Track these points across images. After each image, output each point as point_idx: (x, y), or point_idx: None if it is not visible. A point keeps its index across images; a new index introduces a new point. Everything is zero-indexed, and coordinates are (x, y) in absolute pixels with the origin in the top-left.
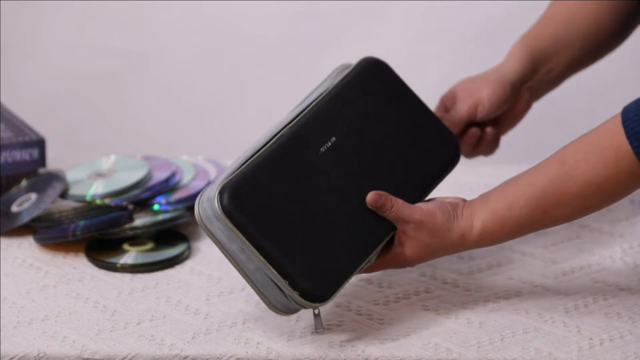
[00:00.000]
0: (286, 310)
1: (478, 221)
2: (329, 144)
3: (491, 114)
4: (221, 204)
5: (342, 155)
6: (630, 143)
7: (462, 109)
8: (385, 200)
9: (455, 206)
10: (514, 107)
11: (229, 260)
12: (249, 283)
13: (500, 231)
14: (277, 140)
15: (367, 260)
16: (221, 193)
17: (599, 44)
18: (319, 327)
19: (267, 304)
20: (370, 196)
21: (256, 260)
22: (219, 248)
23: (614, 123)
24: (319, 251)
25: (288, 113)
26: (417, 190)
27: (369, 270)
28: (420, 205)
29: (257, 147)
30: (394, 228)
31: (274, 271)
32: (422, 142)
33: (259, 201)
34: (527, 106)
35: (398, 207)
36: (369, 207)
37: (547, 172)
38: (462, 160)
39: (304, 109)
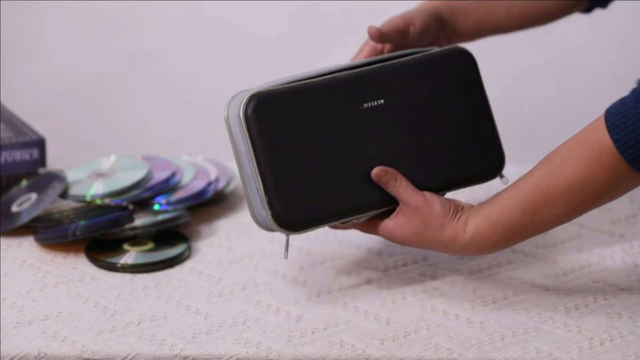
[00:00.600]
0: (265, 226)
1: (471, 225)
2: (375, 103)
3: (421, 35)
4: (245, 108)
5: (381, 120)
6: (612, 137)
7: (398, 24)
8: (389, 177)
9: (459, 208)
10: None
11: (235, 158)
12: (243, 186)
13: (492, 235)
14: (328, 78)
15: (355, 217)
16: (250, 99)
17: (522, 20)
18: (285, 253)
19: (250, 212)
20: (376, 170)
21: (251, 167)
22: (232, 144)
23: (597, 121)
24: (312, 186)
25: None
26: (435, 183)
27: (357, 227)
28: (425, 193)
29: (310, 75)
30: (396, 203)
31: (260, 183)
32: (466, 143)
33: (280, 121)
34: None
35: (401, 187)
36: (373, 179)
37: (535, 174)
38: None
39: (374, 61)
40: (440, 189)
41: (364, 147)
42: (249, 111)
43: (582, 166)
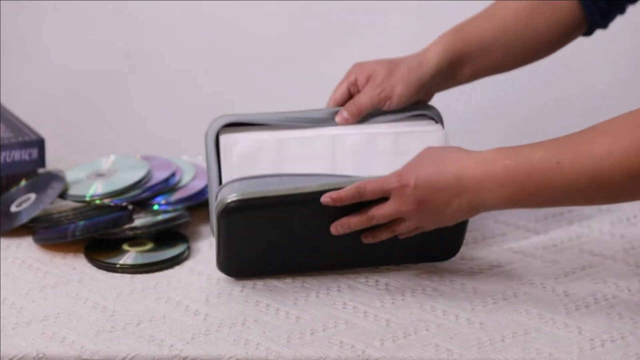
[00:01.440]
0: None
1: (483, 153)
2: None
3: (395, 107)
4: (223, 210)
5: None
6: None
7: (370, 99)
8: (355, 189)
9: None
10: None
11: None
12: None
13: (507, 158)
14: (307, 192)
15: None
16: (229, 206)
17: (524, 54)
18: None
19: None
20: (345, 193)
21: (213, 217)
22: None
23: None
24: (260, 264)
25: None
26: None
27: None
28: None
29: (293, 120)
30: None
31: (215, 240)
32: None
33: (252, 220)
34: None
35: (368, 188)
36: (346, 202)
37: (574, 133)
38: None
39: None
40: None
41: (325, 244)
42: (226, 214)
43: (623, 141)
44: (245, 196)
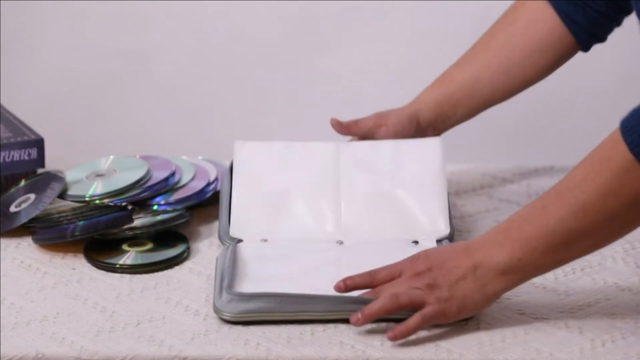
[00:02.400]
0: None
1: (483, 236)
2: None
3: (390, 136)
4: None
5: None
6: (625, 139)
7: (368, 123)
8: (368, 273)
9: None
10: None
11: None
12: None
13: (503, 222)
14: (305, 318)
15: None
16: (224, 317)
17: (510, 88)
18: None
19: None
20: (360, 279)
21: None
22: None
23: (612, 134)
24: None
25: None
26: None
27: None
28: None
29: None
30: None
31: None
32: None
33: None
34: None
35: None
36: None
37: (552, 190)
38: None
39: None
40: None
41: None
42: (222, 319)
43: (593, 165)
44: (240, 318)
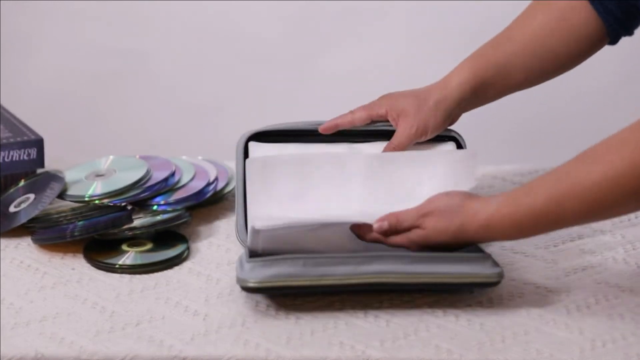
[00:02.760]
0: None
1: (493, 202)
2: None
3: (412, 130)
4: (242, 287)
5: None
6: None
7: (408, 138)
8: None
9: (474, 195)
10: None
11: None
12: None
13: (514, 214)
14: (326, 282)
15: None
16: (248, 287)
17: (545, 73)
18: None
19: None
20: (377, 226)
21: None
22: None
23: (636, 122)
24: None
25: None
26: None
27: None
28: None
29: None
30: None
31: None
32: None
33: None
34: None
35: (398, 219)
36: (377, 234)
37: (569, 165)
38: None
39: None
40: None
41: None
42: (247, 288)
43: (615, 163)
44: (265, 284)
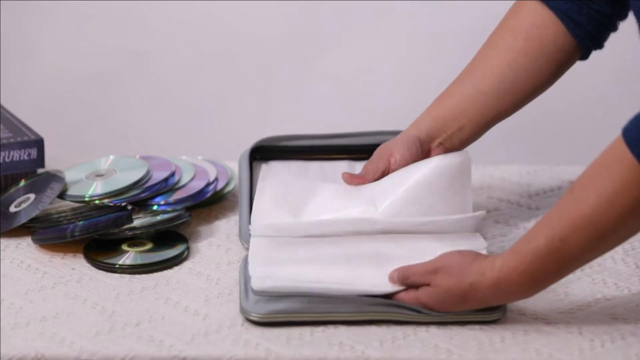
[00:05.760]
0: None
1: (499, 259)
2: None
3: (404, 165)
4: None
5: None
6: (632, 151)
7: (378, 166)
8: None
9: (482, 255)
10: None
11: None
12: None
13: (520, 265)
14: (332, 319)
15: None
16: (252, 320)
17: (518, 98)
18: None
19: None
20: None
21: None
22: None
23: (615, 141)
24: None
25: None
26: None
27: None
28: (438, 257)
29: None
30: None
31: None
32: None
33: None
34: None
35: (411, 271)
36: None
37: (560, 203)
38: None
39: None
40: None
41: None
42: (251, 320)
43: (605, 186)
44: (268, 319)
